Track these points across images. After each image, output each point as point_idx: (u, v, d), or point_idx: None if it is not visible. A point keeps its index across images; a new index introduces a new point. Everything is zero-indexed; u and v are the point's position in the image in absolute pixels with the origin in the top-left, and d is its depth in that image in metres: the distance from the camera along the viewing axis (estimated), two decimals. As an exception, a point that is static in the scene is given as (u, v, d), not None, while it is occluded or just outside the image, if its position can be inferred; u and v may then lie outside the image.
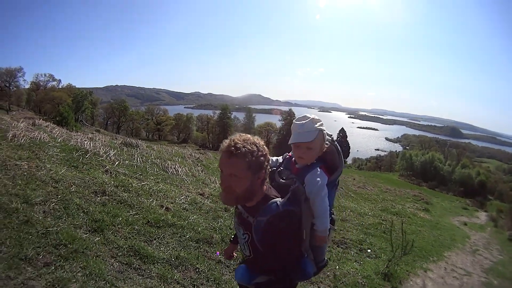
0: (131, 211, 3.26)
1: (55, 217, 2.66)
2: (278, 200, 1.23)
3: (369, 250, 4.41)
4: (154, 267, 2.54)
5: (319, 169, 1.37)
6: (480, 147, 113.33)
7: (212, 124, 54.82)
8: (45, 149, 4.29)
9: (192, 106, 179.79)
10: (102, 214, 2.94)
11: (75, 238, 2.47)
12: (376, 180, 19.93)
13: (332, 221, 1.46)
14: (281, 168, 1.46)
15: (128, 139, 7.32)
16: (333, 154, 1.44)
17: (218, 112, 55.72)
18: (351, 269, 3.59)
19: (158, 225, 3.17)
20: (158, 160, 5.93)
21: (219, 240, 3.27)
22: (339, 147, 1.45)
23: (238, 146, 1.14)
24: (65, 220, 2.68)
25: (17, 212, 2.51)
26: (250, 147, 1.15)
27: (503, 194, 38.55)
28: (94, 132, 19.42)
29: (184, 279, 2.50)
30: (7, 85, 43.85)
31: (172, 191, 4.36)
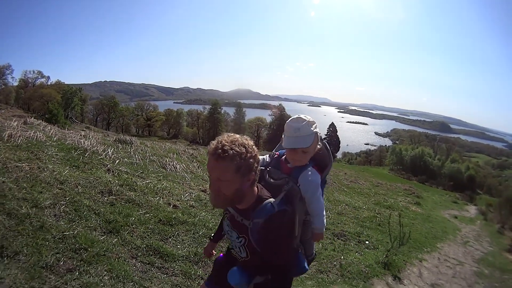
0: (140, 210, 3.25)
1: (68, 220, 2.60)
2: (272, 200, 1.22)
3: (367, 242, 4.62)
4: (176, 264, 2.56)
5: (312, 169, 1.38)
6: (469, 142, 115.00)
7: (203, 119, 54.32)
8: (43, 149, 4.18)
9: (181, 101, 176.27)
10: (115, 215, 2.92)
11: (94, 241, 2.43)
12: (367, 174, 20.14)
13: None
14: (270, 167, 1.43)
15: (122, 135, 7.16)
16: (323, 152, 1.45)
17: (208, 107, 55.17)
18: (354, 259, 3.81)
19: (170, 223, 3.17)
20: (155, 157, 5.86)
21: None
22: (327, 145, 1.48)
23: (226, 148, 1.09)
24: (78, 222, 2.63)
25: (29, 218, 2.41)
26: (238, 149, 1.10)
27: (491, 189, 39.31)
28: (84, 129, 18.89)
29: (207, 274, 2.50)
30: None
31: (176, 188, 4.35)
